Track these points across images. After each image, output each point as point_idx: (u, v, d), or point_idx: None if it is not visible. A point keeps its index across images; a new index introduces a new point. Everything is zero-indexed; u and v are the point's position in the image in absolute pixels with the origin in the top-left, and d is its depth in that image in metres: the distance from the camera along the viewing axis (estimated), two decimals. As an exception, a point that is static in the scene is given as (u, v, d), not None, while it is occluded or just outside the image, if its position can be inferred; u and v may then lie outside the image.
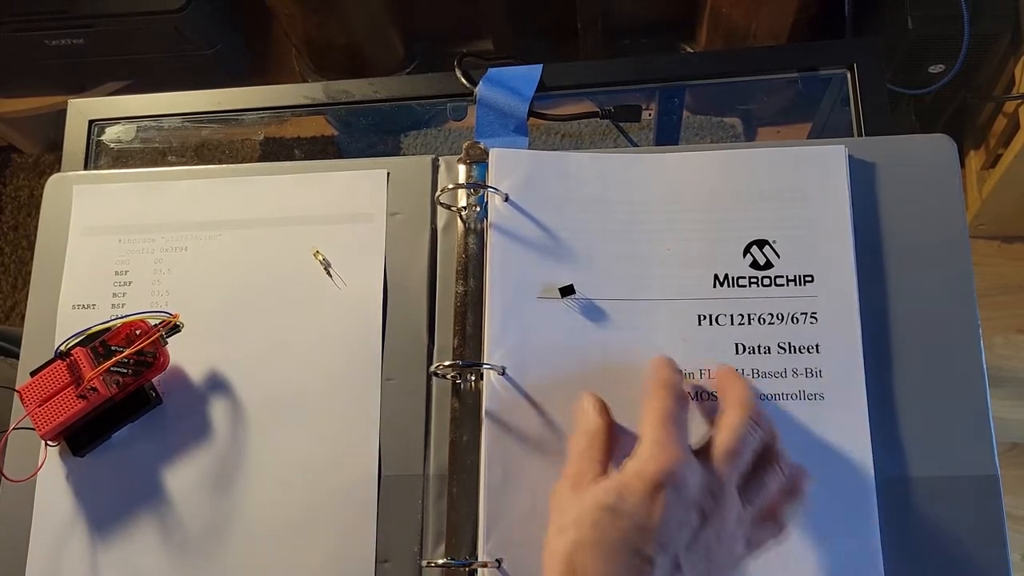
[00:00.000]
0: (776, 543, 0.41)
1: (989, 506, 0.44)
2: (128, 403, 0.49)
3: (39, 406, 0.48)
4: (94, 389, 0.48)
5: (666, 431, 0.40)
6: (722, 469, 0.39)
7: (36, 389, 0.48)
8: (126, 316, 0.49)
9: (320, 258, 0.52)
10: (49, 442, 0.49)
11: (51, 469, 0.50)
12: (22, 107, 1.43)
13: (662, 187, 0.50)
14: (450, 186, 0.51)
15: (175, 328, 0.49)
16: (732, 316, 0.48)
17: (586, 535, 0.38)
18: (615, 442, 0.43)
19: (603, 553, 0.37)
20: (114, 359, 0.48)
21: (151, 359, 0.49)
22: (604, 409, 0.44)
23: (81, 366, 0.48)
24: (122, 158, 0.66)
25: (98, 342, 0.49)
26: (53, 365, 0.48)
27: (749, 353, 0.47)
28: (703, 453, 0.40)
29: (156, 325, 0.49)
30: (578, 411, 0.44)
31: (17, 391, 0.49)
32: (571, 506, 0.39)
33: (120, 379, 0.48)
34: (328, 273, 0.52)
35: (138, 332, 0.49)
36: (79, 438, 0.49)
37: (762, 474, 0.41)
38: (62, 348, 0.49)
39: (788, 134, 0.78)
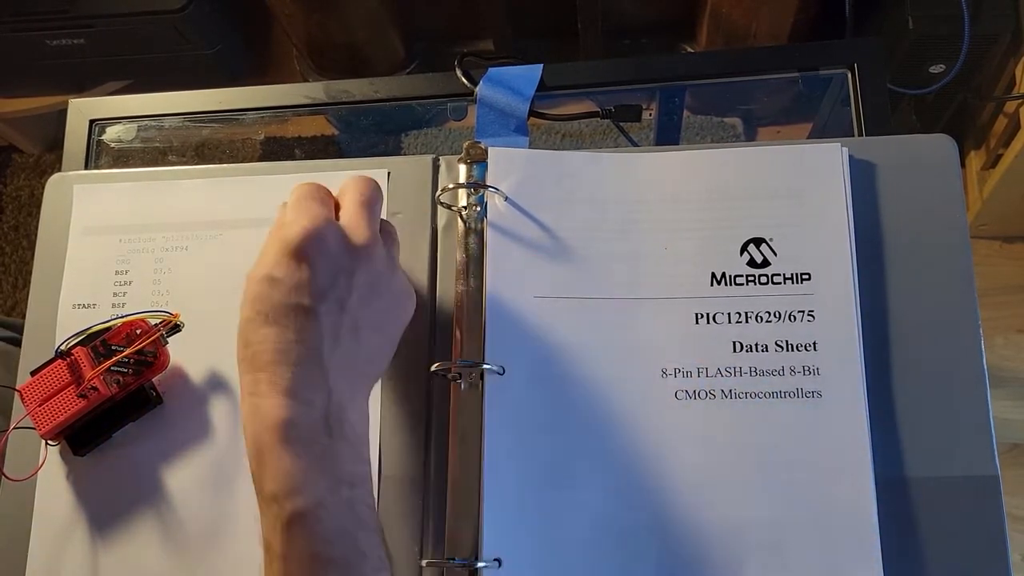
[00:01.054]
0: None
1: (989, 506, 0.44)
2: (128, 402, 0.49)
3: (39, 405, 0.48)
4: (94, 388, 0.48)
5: (309, 199, 0.42)
6: (360, 215, 0.43)
7: (36, 388, 0.48)
8: (126, 315, 0.49)
9: (320, 258, 0.52)
10: (49, 441, 0.49)
11: (51, 468, 0.50)
12: (22, 107, 1.43)
13: (659, 186, 0.50)
14: (450, 186, 0.51)
15: (175, 328, 0.49)
16: (729, 315, 0.48)
17: (250, 309, 0.40)
18: None
19: (267, 319, 0.39)
20: (114, 358, 0.48)
21: (151, 358, 0.49)
22: None
23: (81, 365, 0.48)
24: (122, 158, 0.66)
25: (98, 341, 0.49)
26: (53, 364, 0.48)
27: (746, 351, 0.47)
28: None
29: (156, 324, 0.49)
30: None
31: (17, 390, 0.49)
32: (244, 291, 0.41)
33: (120, 378, 0.48)
34: (328, 273, 0.52)
35: (138, 331, 0.49)
36: (79, 437, 0.49)
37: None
38: (62, 347, 0.49)
39: (789, 134, 0.78)
